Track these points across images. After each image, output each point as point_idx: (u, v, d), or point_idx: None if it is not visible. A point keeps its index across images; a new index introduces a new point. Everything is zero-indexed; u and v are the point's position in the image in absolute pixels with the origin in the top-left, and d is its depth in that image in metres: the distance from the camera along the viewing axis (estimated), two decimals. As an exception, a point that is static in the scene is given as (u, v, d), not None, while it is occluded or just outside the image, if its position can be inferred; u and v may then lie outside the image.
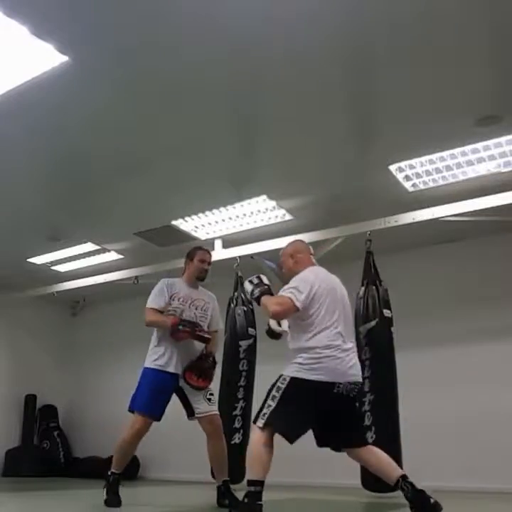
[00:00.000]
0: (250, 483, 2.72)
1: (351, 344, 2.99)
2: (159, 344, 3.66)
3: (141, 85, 3.47)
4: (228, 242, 5.58)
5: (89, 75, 3.33)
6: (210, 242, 5.66)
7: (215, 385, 5.02)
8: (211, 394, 3.71)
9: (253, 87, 3.51)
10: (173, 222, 5.49)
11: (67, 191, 4.97)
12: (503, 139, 4.01)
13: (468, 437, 5.11)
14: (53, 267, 6.75)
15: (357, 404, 3.04)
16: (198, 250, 3.89)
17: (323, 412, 2.89)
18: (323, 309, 2.93)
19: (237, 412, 4.85)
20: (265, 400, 2.89)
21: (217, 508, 3.55)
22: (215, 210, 5.21)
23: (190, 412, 3.68)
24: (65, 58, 3.13)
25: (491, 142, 4.04)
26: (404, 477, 2.79)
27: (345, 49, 3.15)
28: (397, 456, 4.26)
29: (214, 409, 3.67)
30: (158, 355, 3.63)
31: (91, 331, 8.09)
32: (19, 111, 3.64)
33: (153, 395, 3.57)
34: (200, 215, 5.31)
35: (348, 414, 2.98)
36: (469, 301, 5.48)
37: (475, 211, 4.40)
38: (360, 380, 2.97)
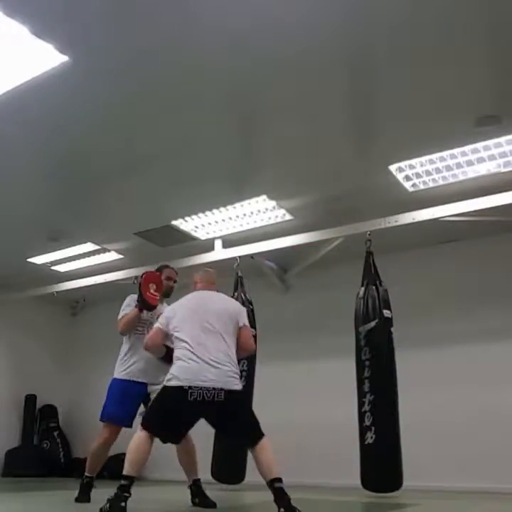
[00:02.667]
0: (123, 477, 2.98)
1: (219, 356, 3.11)
2: (127, 355, 3.88)
3: (141, 85, 3.47)
4: (228, 242, 5.58)
5: (89, 75, 3.33)
6: (210, 242, 5.66)
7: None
8: None
9: (253, 87, 3.51)
10: (173, 222, 5.49)
11: (67, 191, 4.97)
12: (503, 139, 4.01)
13: (468, 437, 5.10)
14: (53, 267, 6.75)
15: (229, 410, 3.07)
16: (164, 268, 4.14)
17: (188, 415, 3.11)
18: (184, 326, 3.22)
19: (237, 412, 4.84)
20: None
21: (217, 508, 3.55)
22: (215, 210, 5.21)
23: None
24: (65, 58, 3.13)
25: (491, 142, 4.04)
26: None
27: (345, 49, 3.15)
28: (397, 456, 4.27)
29: None
30: (125, 366, 3.85)
31: (91, 331, 8.08)
32: (19, 111, 3.64)
33: (121, 404, 3.78)
34: (200, 215, 5.31)
35: (218, 418, 3.13)
36: (469, 301, 5.48)
37: (475, 211, 4.40)
38: (221, 386, 3.02)
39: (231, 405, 3.05)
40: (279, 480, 2.91)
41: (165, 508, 3.86)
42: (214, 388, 2.99)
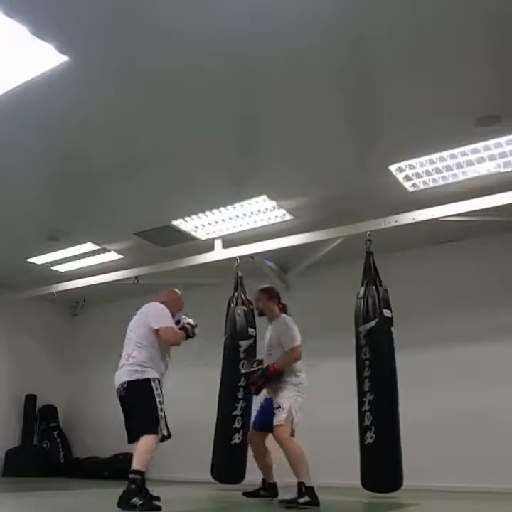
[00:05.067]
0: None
1: (125, 360, 3.76)
2: None
3: (141, 85, 3.47)
4: (228, 242, 5.58)
5: (89, 75, 3.33)
6: (210, 242, 5.66)
7: (215, 385, 5.04)
8: (277, 407, 3.92)
9: (253, 87, 3.51)
10: (173, 222, 5.49)
11: (67, 191, 4.97)
12: (503, 139, 4.01)
13: (468, 437, 5.10)
14: (53, 267, 6.75)
15: (129, 404, 3.62)
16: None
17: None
18: None
19: (237, 412, 4.85)
20: None
21: (217, 507, 3.55)
22: (215, 210, 5.21)
23: None
24: (65, 58, 3.13)
25: (491, 142, 4.04)
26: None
27: (346, 49, 3.15)
28: (397, 456, 4.27)
29: (274, 420, 3.89)
30: None
31: (91, 331, 8.09)
32: (19, 111, 3.64)
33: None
34: (200, 215, 5.31)
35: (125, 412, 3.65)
36: (469, 301, 5.48)
37: (475, 211, 4.40)
38: (123, 380, 3.63)
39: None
40: (134, 472, 3.35)
41: (165, 507, 3.85)
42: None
